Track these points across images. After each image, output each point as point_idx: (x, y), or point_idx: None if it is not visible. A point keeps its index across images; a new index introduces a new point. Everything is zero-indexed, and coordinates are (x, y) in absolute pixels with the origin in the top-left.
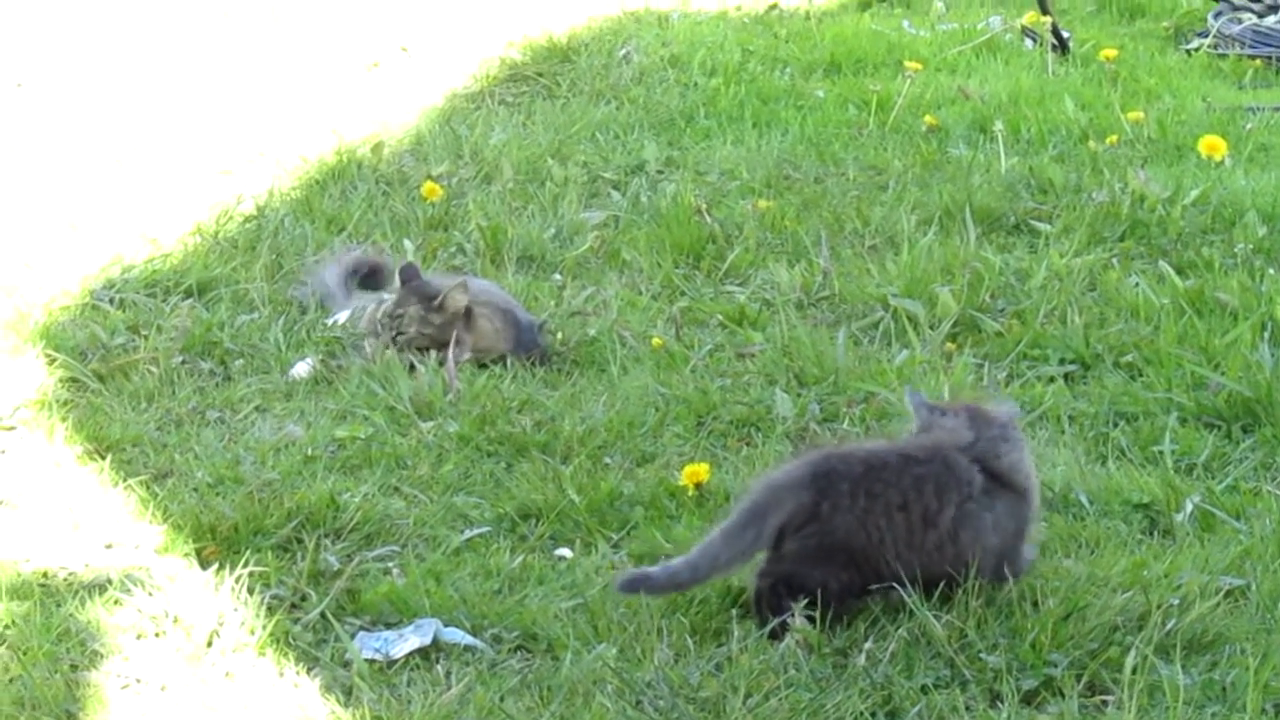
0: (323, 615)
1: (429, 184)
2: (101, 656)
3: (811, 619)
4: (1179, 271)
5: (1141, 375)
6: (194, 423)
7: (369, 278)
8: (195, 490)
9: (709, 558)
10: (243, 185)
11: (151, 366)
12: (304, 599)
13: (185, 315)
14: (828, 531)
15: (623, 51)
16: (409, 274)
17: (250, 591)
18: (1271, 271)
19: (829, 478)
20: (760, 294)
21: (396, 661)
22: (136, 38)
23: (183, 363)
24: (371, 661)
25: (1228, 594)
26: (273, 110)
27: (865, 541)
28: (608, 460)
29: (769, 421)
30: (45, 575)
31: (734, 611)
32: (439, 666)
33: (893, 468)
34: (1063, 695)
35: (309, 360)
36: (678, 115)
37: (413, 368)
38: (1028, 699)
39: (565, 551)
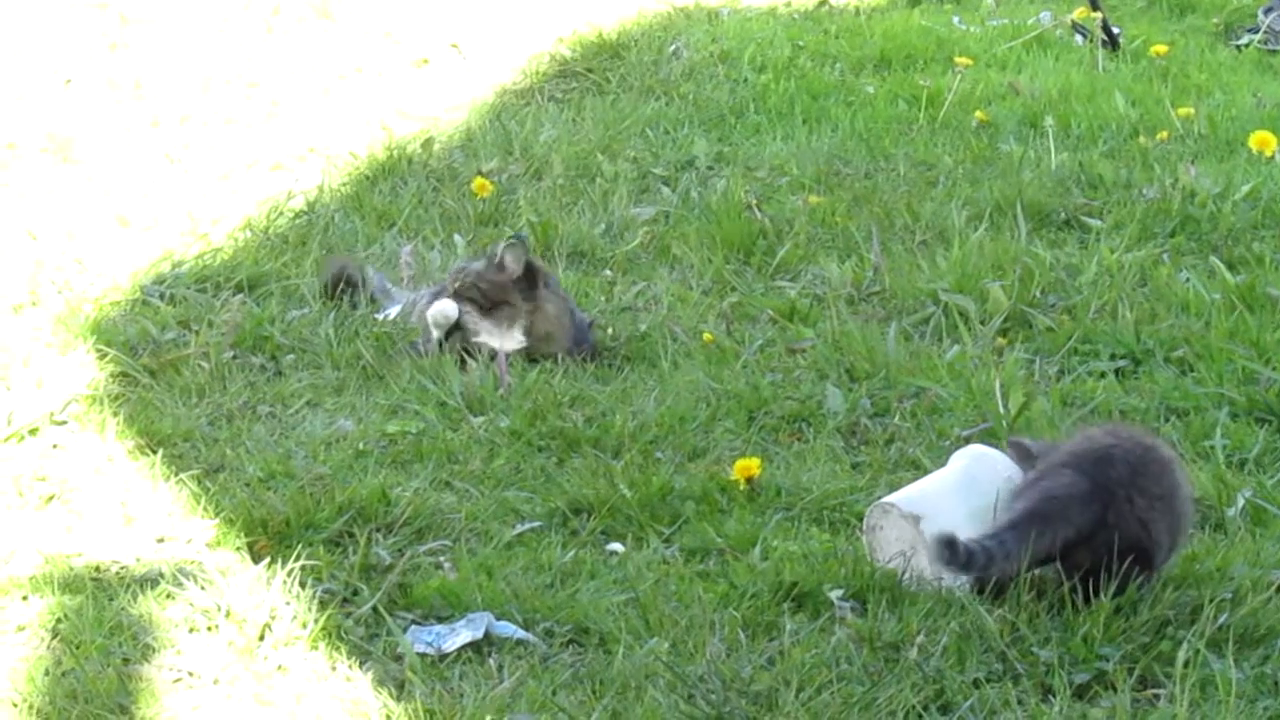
0: (374, 609)
1: (479, 180)
2: (154, 650)
3: (861, 613)
4: (1230, 267)
5: (1192, 370)
6: (245, 417)
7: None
8: (247, 485)
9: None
10: (293, 181)
11: (202, 361)
12: (356, 593)
13: (236, 310)
14: (1121, 538)
15: (672, 47)
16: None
17: (302, 586)
18: None
19: (1109, 488)
20: (811, 289)
21: (448, 655)
22: (185, 34)
23: (234, 358)
24: (423, 655)
25: (1279, 588)
26: (323, 106)
27: (1147, 539)
28: (659, 455)
29: (820, 416)
30: (97, 569)
31: (785, 606)
32: (491, 660)
33: (1141, 459)
34: (1114, 689)
35: (446, 301)
36: (728, 111)
37: (464, 363)
38: (1080, 693)
39: (617, 546)
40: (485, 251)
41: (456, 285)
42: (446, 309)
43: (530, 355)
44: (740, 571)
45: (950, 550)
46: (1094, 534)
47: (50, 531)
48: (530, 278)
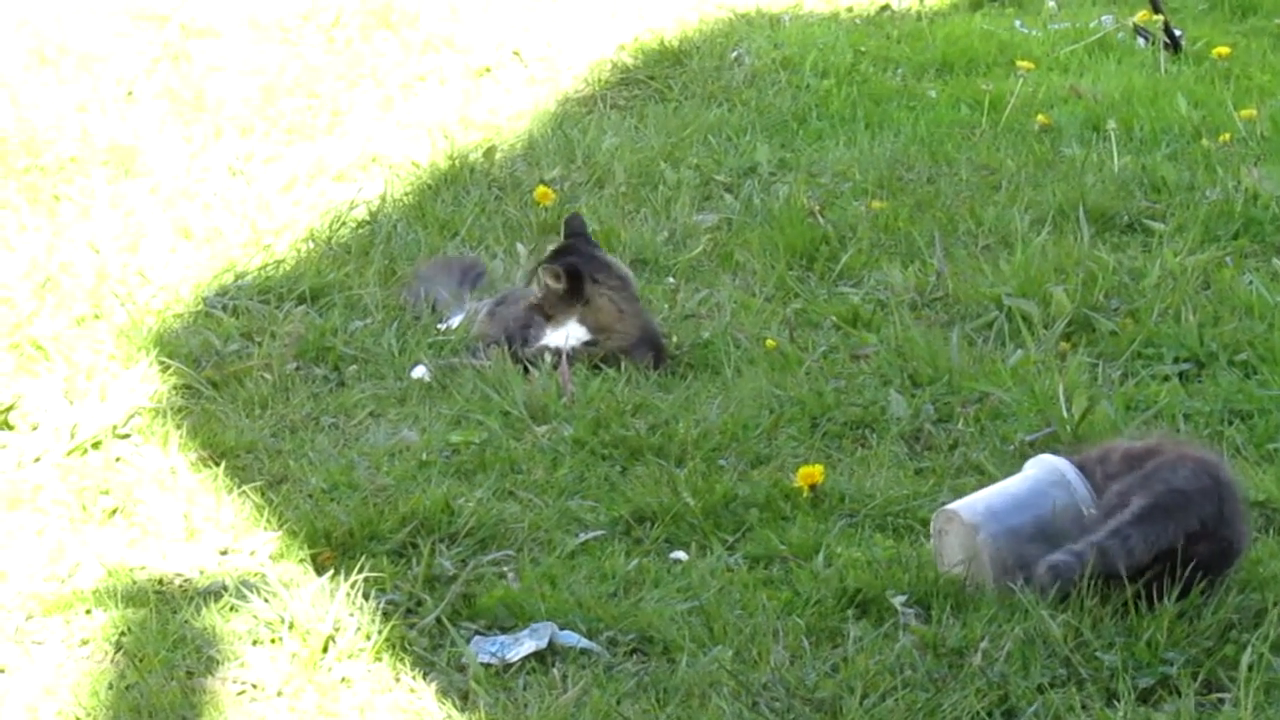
0: (438, 620)
1: (541, 188)
2: (217, 663)
3: (925, 619)
4: None
5: (1256, 373)
6: (308, 429)
7: (478, 279)
8: (310, 496)
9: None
10: (356, 191)
11: (265, 373)
12: (419, 604)
13: (299, 321)
14: (1230, 536)
15: (734, 54)
16: (574, 225)
17: (365, 597)
18: None
19: (1225, 485)
20: (874, 295)
21: (512, 665)
22: (247, 45)
23: (297, 369)
24: (487, 665)
25: None
26: (385, 116)
27: (1241, 542)
28: (722, 462)
29: (883, 422)
30: (161, 582)
31: (849, 612)
32: (555, 670)
33: (1228, 467)
34: (1179, 693)
35: (424, 365)
36: (790, 117)
37: (527, 371)
38: (1144, 697)
39: (680, 554)
40: (565, 233)
41: (529, 302)
42: (420, 374)
43: (601, 353)
44: (804, 578)
45: (1049, 578)
46: (1215, 528)
47: (114, 545)
48: (575, 283)
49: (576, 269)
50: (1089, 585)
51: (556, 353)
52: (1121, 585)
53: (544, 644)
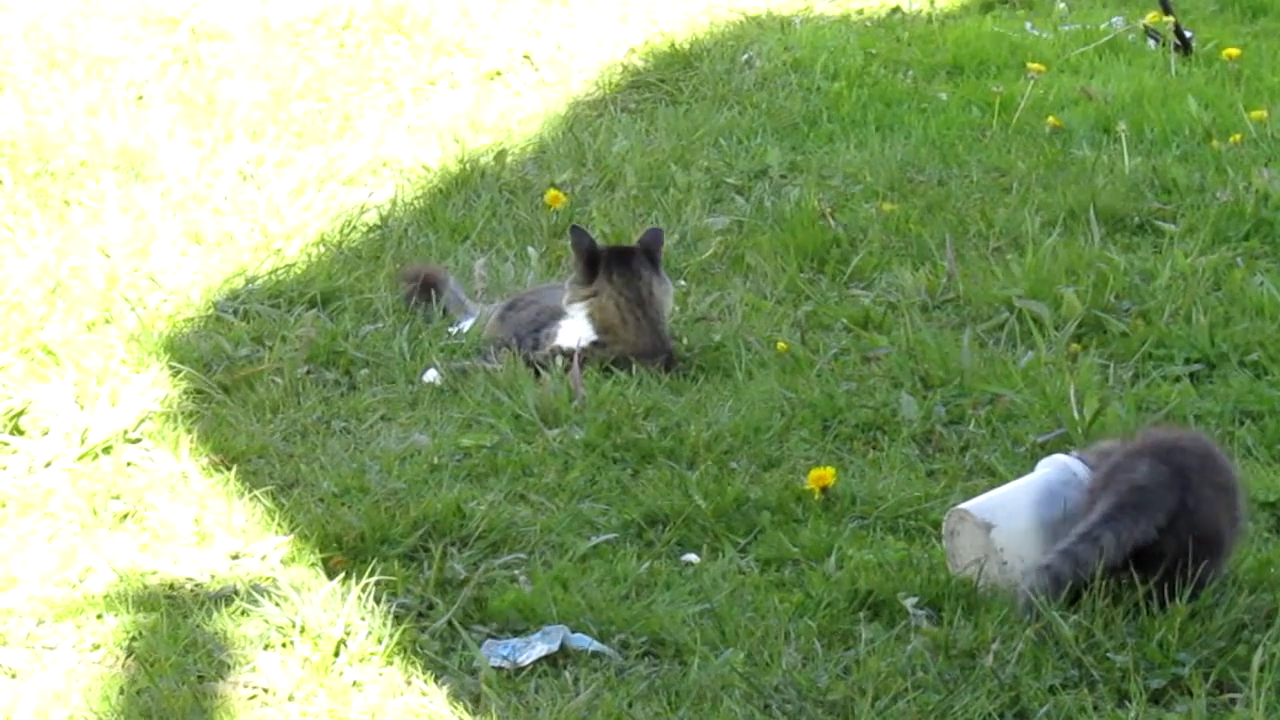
0: (450, 624)
1: (552, 192)
2: (229, 667)
3: (936, 621)
4: None
5: (1267, 374)
6: (319, 433)
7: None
8: (321, 500)
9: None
10: (366, 195)
11: (276, 377)
12: (431, 608)
13: (310, 325)
14: (1196, 524)
15: (745, 56)
16: (649, 238)
17: (377, 601)
18: None
19: (1186, 474)
20: (885, 297)
21: (524, 669)
22: (257, 49)
23: (308, 373)
24: (499, 669)
25: None
26: (396, 120)
27: (1218, 527)
28: (734, 465)
29: (894, 424)
30: (172, 587)
31: (861, 614)
32: (567, 673)
33: (1213, 454)
34: (1190, 694)
35: (436, 369)
36: (801, 119)
37: (538, 374)
38: (1155, 698)
39: (692, 557)
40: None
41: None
42: (432, 378)
43: (610, 356)
44: (815, 581)
45: (1054, 587)
46: (1176, 519)
47: (125, 549)
48: (588, 267)
49: (597, 252)
50: (1068, 592)
51: (568, 355)
52: (1121, 585)
53: (556, 647)
